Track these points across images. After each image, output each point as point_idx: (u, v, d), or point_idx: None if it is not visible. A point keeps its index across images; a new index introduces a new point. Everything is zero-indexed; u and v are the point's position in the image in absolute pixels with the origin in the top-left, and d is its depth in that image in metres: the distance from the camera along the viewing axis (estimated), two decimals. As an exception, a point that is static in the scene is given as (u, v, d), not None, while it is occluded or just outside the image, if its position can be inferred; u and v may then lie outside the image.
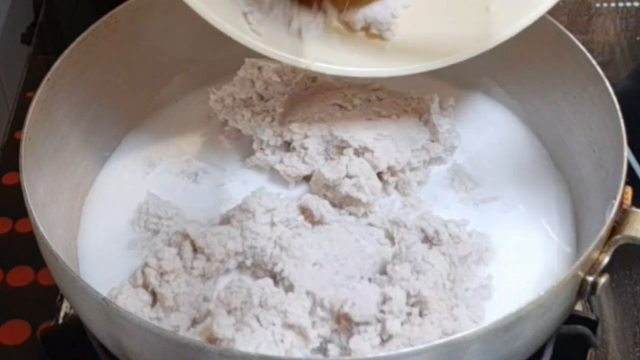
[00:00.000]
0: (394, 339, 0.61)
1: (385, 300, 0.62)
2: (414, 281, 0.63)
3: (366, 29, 0.70)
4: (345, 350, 0.62)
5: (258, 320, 0.62)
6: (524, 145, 0.79)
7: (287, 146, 0.75)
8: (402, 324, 0.62)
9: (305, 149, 0.73)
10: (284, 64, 0.74)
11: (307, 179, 0.74)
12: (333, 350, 0.62)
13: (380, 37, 0.70)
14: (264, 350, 0.60)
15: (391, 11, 0.69)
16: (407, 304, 0.63)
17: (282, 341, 0.61)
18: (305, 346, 0.62)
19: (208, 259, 0.67)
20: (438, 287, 0.64)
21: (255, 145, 0.76)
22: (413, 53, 0.69)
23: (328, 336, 0.63)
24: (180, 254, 0.67)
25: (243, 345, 0.60)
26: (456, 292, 0.65)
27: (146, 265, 0.66)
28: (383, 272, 0.66)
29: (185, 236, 0.67)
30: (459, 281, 0.66)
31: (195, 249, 0.67)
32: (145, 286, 0.65)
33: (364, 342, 0.61)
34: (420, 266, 0.64)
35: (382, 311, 0.62)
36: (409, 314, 0.63)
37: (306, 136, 0.73)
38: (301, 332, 0.62)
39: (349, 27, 0.69)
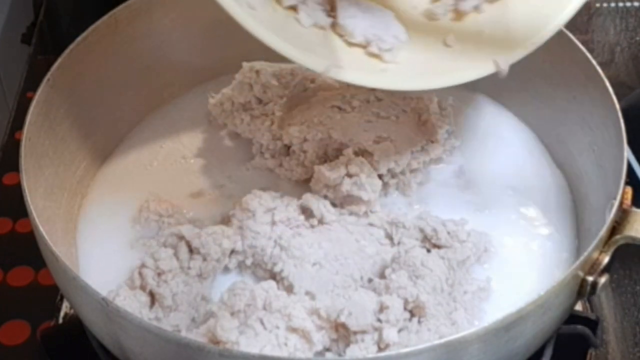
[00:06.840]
0: (390, 348, 0.61)
1: (382, 308, 0.62)
2: (412, 288, 0.63)
3: (365, 46, 0.65)
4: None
5: (262, 323, 0.62)
6: (523, 145, 0.79)
7: (287, 150, 0.75)
8: (399, 331, 0.62)
9: (305, 152, 0.73)
10: (282, 67, 0.74)
11: (307, 179, 0.74)
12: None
13: (379, 57, 0.65)
14: (267, 353, 0.60)
15: (394, 33, 0.66)
16: (405, 309, 0.63)
17: (285, 344, 0.61)
18: (309, 349, 0.62)
19: (204, 259, 0.66)
20: (436, 291, 0.64)
21: (254, 150, 0.76)
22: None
23: (327, 344, 0.63)
24: (176, 255, 0.67)
25: (247, 348, 0.60)
26: (454, 296, 0.65)
27: (143, 265, 0.66)
28: (382, 273, 0.66)
29: (181, 237, 0.67)
30: (458, 285, 0.65)
31: (191, 250, 0.67)
32: (143, 287, 0.65)
33: (361, 352, 0.61)
34: (419, 271, 0.64)
35: (379, 320, 0.62)
36: (407, 320, 0.63)
37: (305, 140, 0.73)
38: (305, 336, 0.62)
39: (345, 39, 0.65)
